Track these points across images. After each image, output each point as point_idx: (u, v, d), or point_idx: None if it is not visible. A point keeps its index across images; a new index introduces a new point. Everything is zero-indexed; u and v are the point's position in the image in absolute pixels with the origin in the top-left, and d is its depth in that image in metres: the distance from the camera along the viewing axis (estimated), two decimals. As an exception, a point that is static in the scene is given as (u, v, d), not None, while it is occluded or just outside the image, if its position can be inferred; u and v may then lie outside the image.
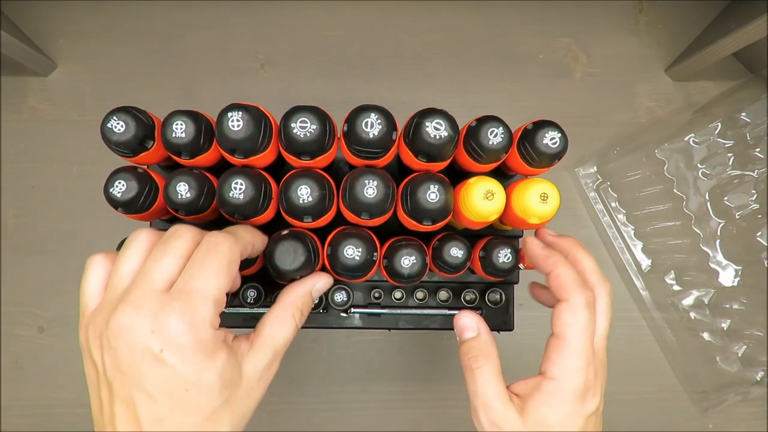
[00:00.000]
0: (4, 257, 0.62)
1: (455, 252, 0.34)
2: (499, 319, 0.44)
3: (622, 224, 0.64)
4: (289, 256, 0.31)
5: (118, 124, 0.31)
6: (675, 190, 0.64)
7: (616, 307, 0.64)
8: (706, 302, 0.63)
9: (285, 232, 0.33)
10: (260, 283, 0.40)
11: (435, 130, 0.30)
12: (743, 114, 0.63)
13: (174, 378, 0.23)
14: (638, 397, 0.63)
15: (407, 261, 0.33)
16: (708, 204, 0.63)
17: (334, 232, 0.34)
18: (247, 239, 0.29)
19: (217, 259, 0.25)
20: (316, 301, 0.31)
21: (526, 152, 0.32)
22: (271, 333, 0.28)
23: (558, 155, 0.32)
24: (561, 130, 0.32)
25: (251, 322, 0.43)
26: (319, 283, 0.31)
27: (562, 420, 0.29)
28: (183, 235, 0.27)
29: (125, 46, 0.66)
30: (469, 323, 0.33)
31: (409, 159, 0.33)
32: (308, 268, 0.30)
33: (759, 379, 0.61)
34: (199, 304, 0.24)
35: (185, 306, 0.24)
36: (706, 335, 0.63)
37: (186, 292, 0.24)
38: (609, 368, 0.68)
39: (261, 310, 0.42)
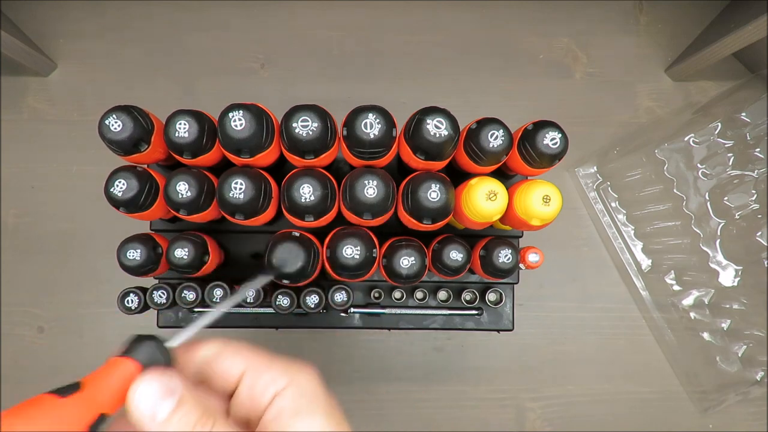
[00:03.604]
0: (4, 257, 0.62)
1: (455, 255, 0.34)
2: (499, 319, 0.44)
3: (622, 224, 0.64)
4: (288, 258, 0.31)
5: (115, 122, 0.31)
6: (675, 190, 0.64)
7: (616, 306, 0.64)
8: (706, 302, 0.63)
9: (284, 233, 0.33)
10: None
11: (436, 128, 0.30)
12: (743, 114, 0.63)
13: None
14: (638, 397, 0.63)
15: (406, 261, 0.33)
16: (708, 204, 0.63)
17: (333, 232, 0.34)
18: None
19: None
20: None
21: (526, 153, 0.32)
22: None
23: (558, 156, 0.32)
24: (561, 131, 0.32)
25: (252, 321, 0.43)
26: None
27: None
28: None
29: (125, 46, 0.66)
30: (156, 390, 0.20)
31: (410, 158, 0.33)
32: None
33: (759, 379, 0.61)
34: None
35: None
36: (706, 335, 0.63)
37: None
38: (609, 368, 0.68)
39: (260, 310, 0.42)
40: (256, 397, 0.22)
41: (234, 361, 0.23)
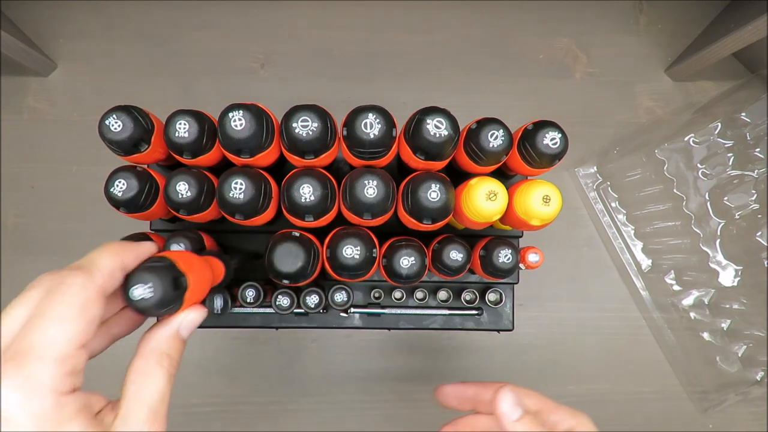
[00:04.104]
0: (4, 257, 0.62)
1: (455, 255, 0.34)
2: (499, 319, 0.44)
3: (622, 224, 0.64)
4: (288, 258, 0.31)
5: (116, 122, 0.31)
6: (675, 190, 0.64)
7: (616, 306, 0.64)
8: (706, 302, 0.63)
9: (284, 233, 0.33)
10: (259, 282, 0.40)
11: (436, 128, 0.30)
12: (743, 114, 0.63)
13: None
14: (638, 397, 0.63)
15: (406, 261, 0.33)
16: (708, 204, 0.63)
17: (333, 232, 0.34)
18: (108, 267, 0.23)
19: (62, 303, 0.20)
20: (187, 338, 0.26)
21: (526, 153, 0.32)
22: (137, 391, 0.23)
23: (558, 156, 0.32)
24: (561, 131, 0.32)
25: (252, 321, 0.43)
26: (188, 318, 0.26)
27: None
28: (41, 283, 0.22)
29: (125, 46, 0.66)
30: (512, 399, 0.30)
31: (410, 158, 0.33)
32: (177, 302, 0.25)
33: (759, 379, 0.61)
34: (35, 365, 0.19)
35: (17, 369, 0.19)
36: (706, 335, 0.63)
37: (20, 351, 0.20)
38: (609, 367, 0.68)
39: (260, 310, 0.42)
40: (547, 427, 0.31)
41: (529, 400, 0.32)
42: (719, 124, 0.63)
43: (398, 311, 0.43)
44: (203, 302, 0.29)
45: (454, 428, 0.37)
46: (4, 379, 0.19)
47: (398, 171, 0.41)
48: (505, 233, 0.42)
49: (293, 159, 0.32)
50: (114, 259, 0.23)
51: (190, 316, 0.26)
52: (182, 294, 0.24)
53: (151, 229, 0.42)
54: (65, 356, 0.20)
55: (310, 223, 0.32)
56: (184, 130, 0.31)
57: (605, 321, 0.64)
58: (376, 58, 0.67)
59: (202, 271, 0.28)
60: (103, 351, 0.26)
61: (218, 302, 0.39)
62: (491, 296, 0.43)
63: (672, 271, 0.63)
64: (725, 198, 0.63)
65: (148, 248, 0.26)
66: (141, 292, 0.23)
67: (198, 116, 0.31)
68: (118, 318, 0.27)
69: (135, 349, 0.24)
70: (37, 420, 0.19)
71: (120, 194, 0.32)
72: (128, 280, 0.23)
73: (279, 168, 0.38)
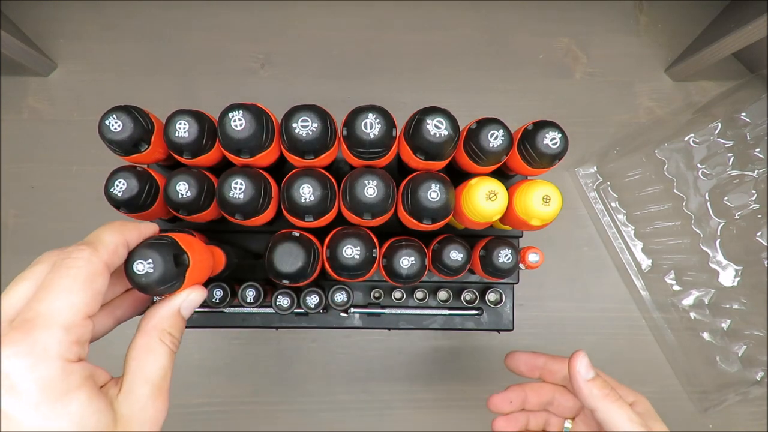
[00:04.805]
0: (4, 257, 0.62)
1: (455, 255, 0.34)
2: (499, 319, 0.44)
3: (622, 224, 0.64)
4: (288, 258, 0.31)
5: (115, 123, 0.31)
6: (675, 190, 0.64)
7: (616, 306, 0.64)
8: (706, 302, 0.63)
9: (284, 233, 0.33)
10: (259, 282, 0.40)
11: (436, 128, 0.30)
12: (743, 114, 0.63)
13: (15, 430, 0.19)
14: (638, 397, 0.63)
15: (406, 261, 0.33)
16: (708, 204, 0.63)
17: (333, 232, 0.34)
18: (112, 243, 0.23)
19: (68, 276, 0.21)
20: (188, 317, 0.26)
21: (526, 153, 0.32)
22: (139, 367, 0.23)
23: (558, 156, 0.32)
24: (561, 131, 0.32)
25: (252, 321, 0.43)
26: (189, 297, 0.26)
27: None
28: (47, 258, 0.23)
29: (125, 46, 0.66)
30: (586, 361, 0.35)
31: (410, 158, 0.33)
32: (179, 280, 0.25)
33: (759, 379, 0.61)
34: (42, 332, 0.19)
35: (24, 336, 0.19)
36: (706, 335, 0.63)
37: (26, 320, 0.20)
38: (609, 368, 0.68)
39: (260, 310, 0.42)
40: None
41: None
42: (719, 124, 0.63)
43: (398, 311, 0.43)
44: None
45: (520, 389, 0.40)
46: (11, 346, 0.19)
47: (398, 171, 0.41)
48: (505, 233, 0.42)
49: (293, 159, 0.32)
50: (118, 235, 0.24)
51: (191, 295, 0.26)
52: (183, 272, 0.25)
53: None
54: (72, 324, 0.20)
55: (310, 223, 0.32)
56: (184, 130, 0.31)
57: (605, 321, 0.64)
58: (376, 58, 0.67)
59: (204, 253, 0.28)
60: (107, 333, 0.27)
61: (217, 293, 0.39)
62: (491, 296, 0.43)
63: (672, 271, 0.63)
64: (725, 198, 0.63)
65: (150, 228, 0.26)
66: (142, 267, 0.23)
67: (198, 116, 0.31)
68: (121, 300, 0.27)
69: (137, 328, 0.25)
70: (44, 386, 0.19)
71: (120, 194, 0.32)
72: (130, 256, 0.24)
73: (279, 168, 0.38)
